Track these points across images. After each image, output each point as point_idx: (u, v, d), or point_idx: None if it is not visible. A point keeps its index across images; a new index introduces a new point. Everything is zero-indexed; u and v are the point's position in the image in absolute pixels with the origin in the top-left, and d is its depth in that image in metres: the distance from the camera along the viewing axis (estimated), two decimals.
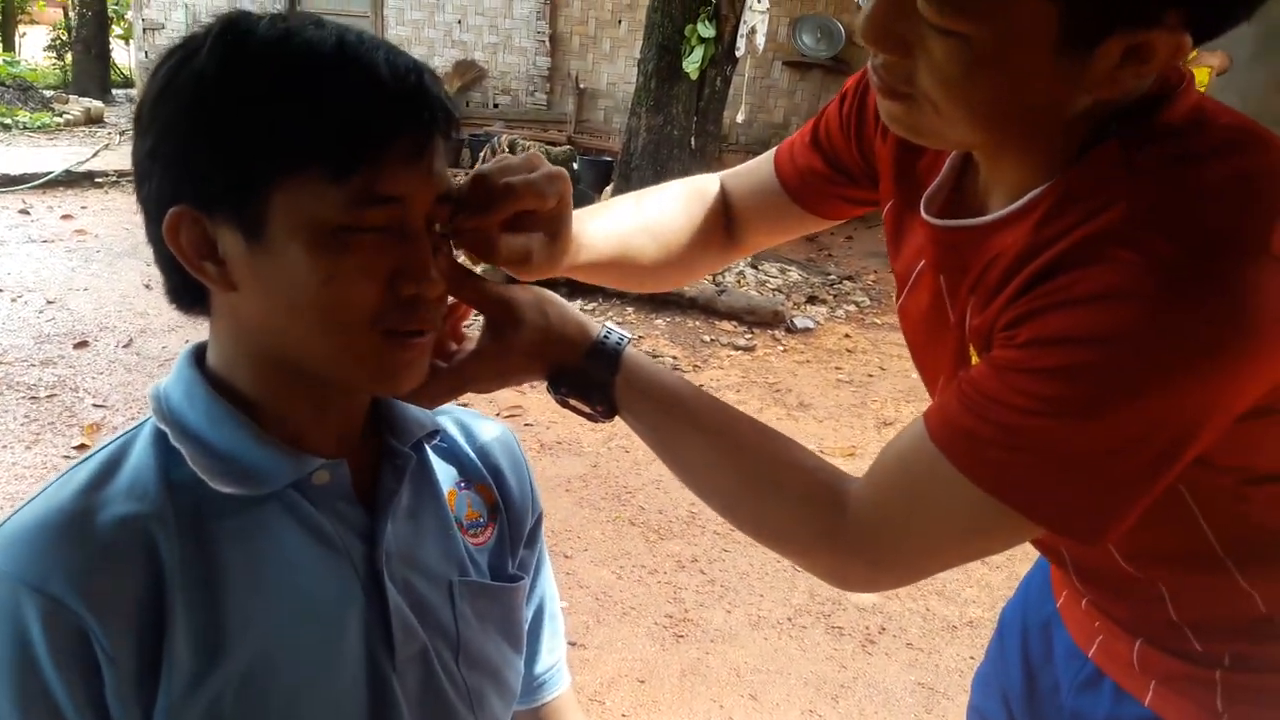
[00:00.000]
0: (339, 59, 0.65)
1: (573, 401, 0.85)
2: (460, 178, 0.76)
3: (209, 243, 0.67)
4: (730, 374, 4.75)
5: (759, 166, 1.14)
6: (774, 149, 1.13)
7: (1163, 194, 0.67)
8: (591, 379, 0.83)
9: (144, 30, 10.35)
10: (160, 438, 0.72)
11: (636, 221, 1.05)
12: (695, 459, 0.85)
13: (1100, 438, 0.68)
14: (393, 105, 0.66)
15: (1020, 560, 2.87)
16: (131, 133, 0.70)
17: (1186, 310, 0.64)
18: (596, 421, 0.87)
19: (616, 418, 0.85)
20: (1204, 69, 5.71)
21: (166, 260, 0.70)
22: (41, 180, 7.36)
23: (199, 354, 0.77)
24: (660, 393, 0.85)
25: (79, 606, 0.64)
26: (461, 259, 0.80)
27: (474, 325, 0.83)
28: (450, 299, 0.79)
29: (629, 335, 0.85)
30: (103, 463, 0.71)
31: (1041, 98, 0.69)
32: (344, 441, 0.78)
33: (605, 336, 0.84)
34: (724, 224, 1.14)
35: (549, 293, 0.84)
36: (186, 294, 0.73)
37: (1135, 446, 0.68)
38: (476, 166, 0.80)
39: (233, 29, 0.66)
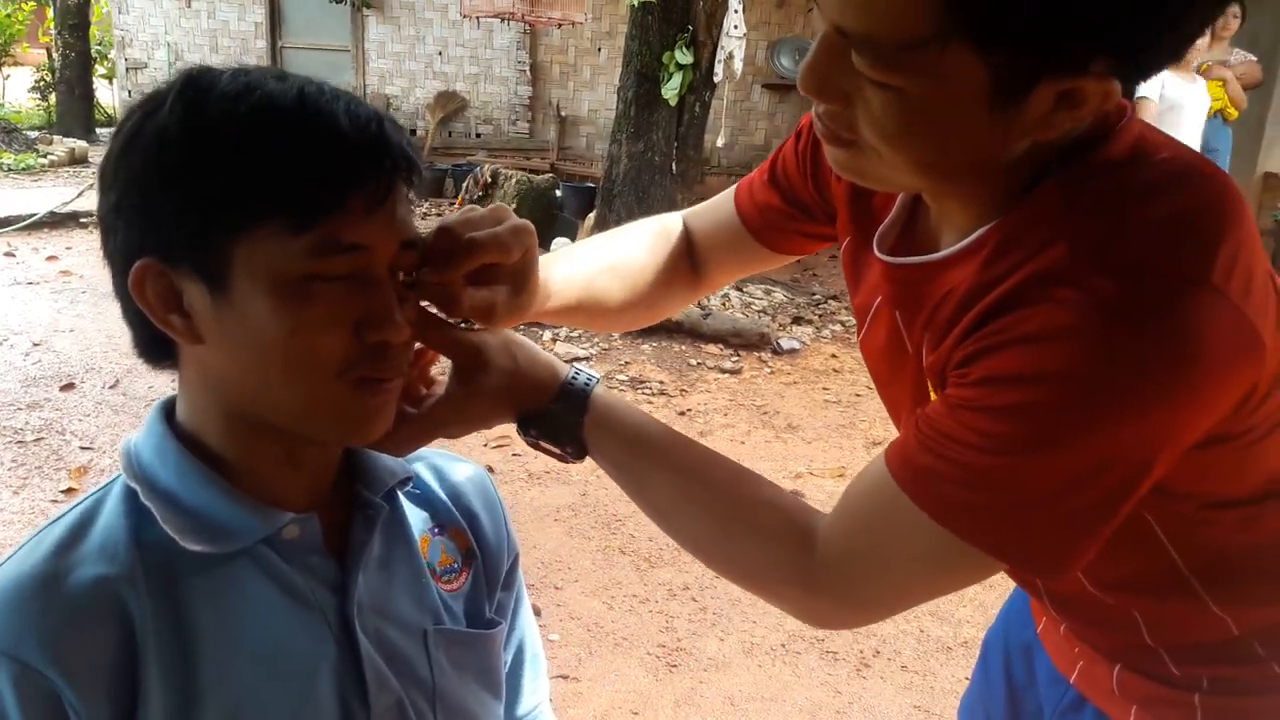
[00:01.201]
0: (299, 111, 0.66)
1: (543, 443, 0.86)
2: (439, 213, 0.77)
3: (174, 295, 0.68)
4: (718, 397, 4.75)
5: (720, 204, 1.15)
6: (734, 187, 1.14)
7: (1102, 231, 0.68)
8: (560, 421, 0.84)
9: (127, 70, 10.39)
10: (131, 495, 0.73)
11: (601, 264, 1.05)
12: (664, 499, 0.85)
13: (1053, 474, 0.68)
14: (353, 155, 0.66)
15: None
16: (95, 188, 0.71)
17: (1130, 346, 0.65)
18: (567, 462, 0.87)
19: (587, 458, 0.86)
20: (1216, 82, 5.58)
21: (133, 314, 0.70)
22: (26, 222, 7.35)
23: (169, 408, 0.78)
24: (629, 432, 0.85)
25: (50, 671, 0.64)
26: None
27: (443, 368, 0.84)
28: (417, 344, 0.80)
29: (597, 375, 0.86)
30: (73, 523, 0.71)
31: (979, 144, 0.70)
32: (315, 494, 0.78)
33: (573, 378, 0.84)
34: (689, 262, 1.15)
35: (517, 336, 0.85)
36: (154, 347, 0.74)
37: (1089, 482, 0.68)
38: (445, 215, 0.81)
39: (194, 85, 0.67)
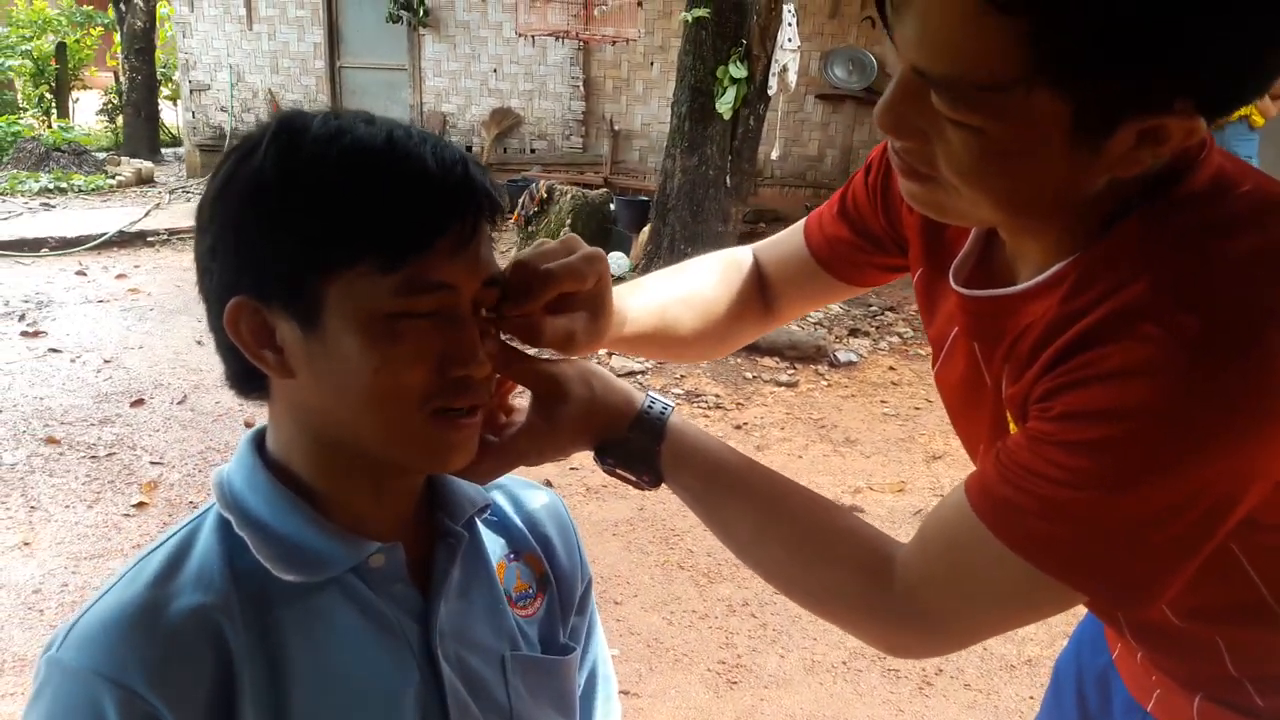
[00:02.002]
0: (389, 155, 0.68)
1: (620, 471, 0.87)
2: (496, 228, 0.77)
3: (268, 332, 0.70)
4: (774, 411, 4.73)
5: (789, 237, 1.15)
6: (804, 220, 1.14)
7: (1185, 267, 0.68)
8: (637, 449, 0.85)
9: (191, 91, 10.67)
10: (224, 525, 0.75)
11: (675, 294, 1.07)
12: (742, 528, 0.86)
13: (1136, 510, 0.68)
14: (441, 197, 0.68)
15: None
16: (193, 229, 0.74)
17: (1214, 384, 0.64)
18: (643, 489, 0.88)
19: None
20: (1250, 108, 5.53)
21: (227, 348, 0.73)
22: (97, 241, 7.58)
23: (259, 439, 0.80)
24: (705, 461, 0.86)
25: (153, 696, 0.66)
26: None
27: (522, 394, 0.86)
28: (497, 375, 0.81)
29: (672, 404, 0.87)
30: (171, 552, 0.74)
31: (1059, 182, 0.70)
32: (399, 522, 0.80)
33: (649, 406, 0.86)
34: (760, 295, 1.16)
35: (593, 366, 0.86)
36: (246, 380, 0.76)
37: (1173, 517, 0.68)
38: (517, 255, 0.83)
39: (287, 129, 0.69)
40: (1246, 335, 0.64)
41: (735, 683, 2.69)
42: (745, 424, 4.56)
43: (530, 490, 0.96)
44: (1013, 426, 0.81)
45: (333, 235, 0.67)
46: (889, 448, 4.35)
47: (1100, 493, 0.68)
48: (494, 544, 0.89)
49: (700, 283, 1.11)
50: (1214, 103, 0.65)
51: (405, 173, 0.67)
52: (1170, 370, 0.65)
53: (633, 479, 0.87)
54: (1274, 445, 0.66)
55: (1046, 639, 2.90)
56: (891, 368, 5.43)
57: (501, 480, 0.95)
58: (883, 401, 4.92)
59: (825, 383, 5.16)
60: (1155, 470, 0.66)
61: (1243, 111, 5.50)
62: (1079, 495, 0.68)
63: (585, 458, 0.88)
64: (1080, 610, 1.10)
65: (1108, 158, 0.67)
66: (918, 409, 4.80)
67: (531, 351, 0.83)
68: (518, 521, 0.92)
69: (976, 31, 0.61)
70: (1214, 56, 0.60)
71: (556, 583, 0.92)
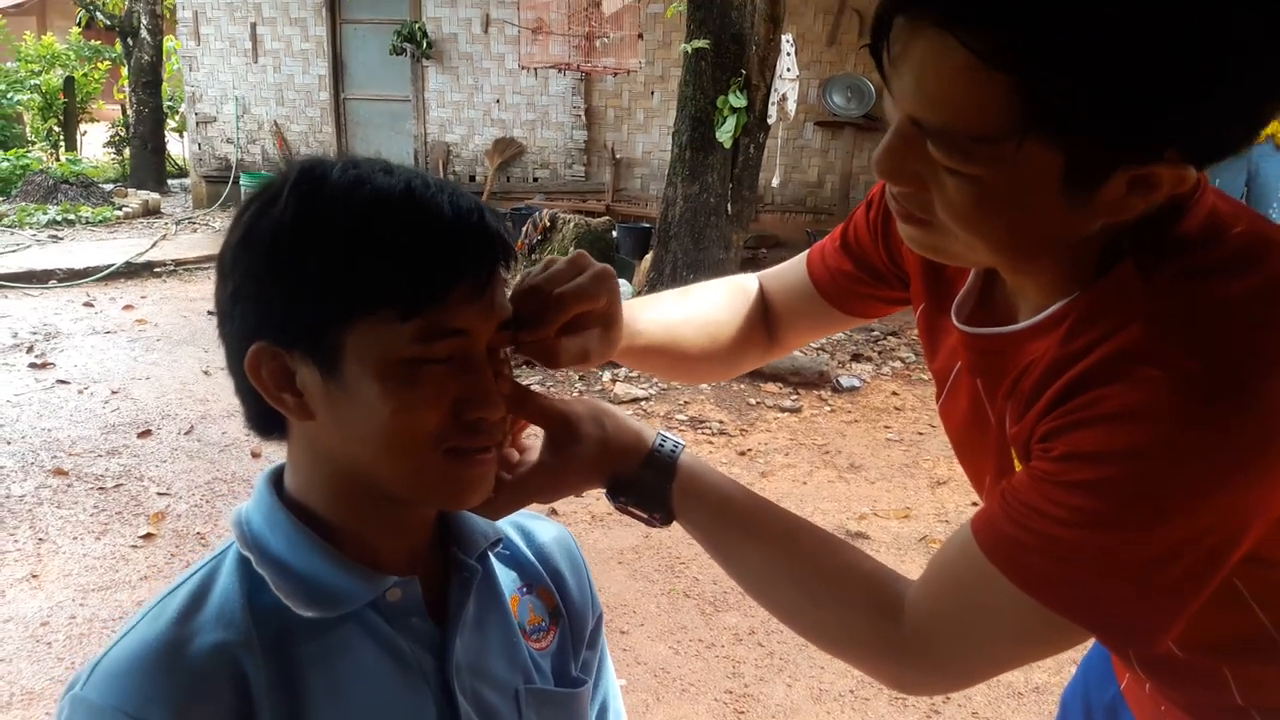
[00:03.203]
0: (408, 205, 0.69)
1: (632, 509, 0.88)
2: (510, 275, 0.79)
3: (288, 375, 0.72)
4: (778, 436, 4.74)
5: (793, 268, 1.17)
6: (806, 251, 1.17)
7: (1181, 310, 0.69)
8: (648, 488, 0.87)
9: (197, 124, 10.78)
10: (244, 563, 0.76)
11: (684, 313, 1.09)
12: (752, 566, 0.87)
13: (1139, 549, 0.69)
14: (458, 246, 0.70)
15: None
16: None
17: (1213, 425, 0.66)
18: (654, 527, 0.89)
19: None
20: None
21: (247, 391, 0.75)
22: (104, 273, 7.64)
23: (277, 478, 0.82)
24: (715, 499, 0.87)
25: None
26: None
27: (535, 434, 0.87)
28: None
29: (683, 443, 0.89)
30: (192, 591, 0.75)
31: (1053, 226, 0.72)
32: (414, 557, 0.82)
33: (660, 445, 0.87)
34: (764, 322, 1.18)
35: (605, 404, 0.88)
36: (265, 421, 0.78)
37: (1175, 557, 0.69)
38: (521, 278, 0.84)
39: (307, 178, 0.71)
40: (1242, 377, 0.66)
41: (743, 713, 2.68)
42: (749, 450, 4.57)
43: (540, 523, 0.98)
44: (1017, 464, 0.82)
45: (353, 284, 0.68)
46: (893, 473, 4.35)
47: (1103, 532, 0.69)
48: (507, 578, 0.90)
49: (709, 305, 1.13)
50: (1202, 153, 0.66)
51: (423, 223, 0.69)
52: (1168, 412, 0.66)
53: (644, 517, 0.88)
54: (1273, 485, 0.68)
55: (1054, 665, 2.89)
56: (894, 393, 5.44)
57: (512, 514, 0.96)
58: (886, 427, 4.93)
59: (829, 408, 5.17)
60: (1156, 511, 0.68)
61: (1269, 130, 5.51)
62: (1082, 535, 0.70)
63: None
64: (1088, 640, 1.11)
65: (1100, 204, 0.68)
66: (921, 434, 4.80)
67: (538, 387, 0.84)
68: (529, 555, 0.94)
69: (969, 86, 0.63)
70: (1199, 112, 0.62)
71: (568, 616, 0.93)
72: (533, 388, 0.84)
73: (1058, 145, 0.64)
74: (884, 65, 0.69)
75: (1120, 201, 0.68)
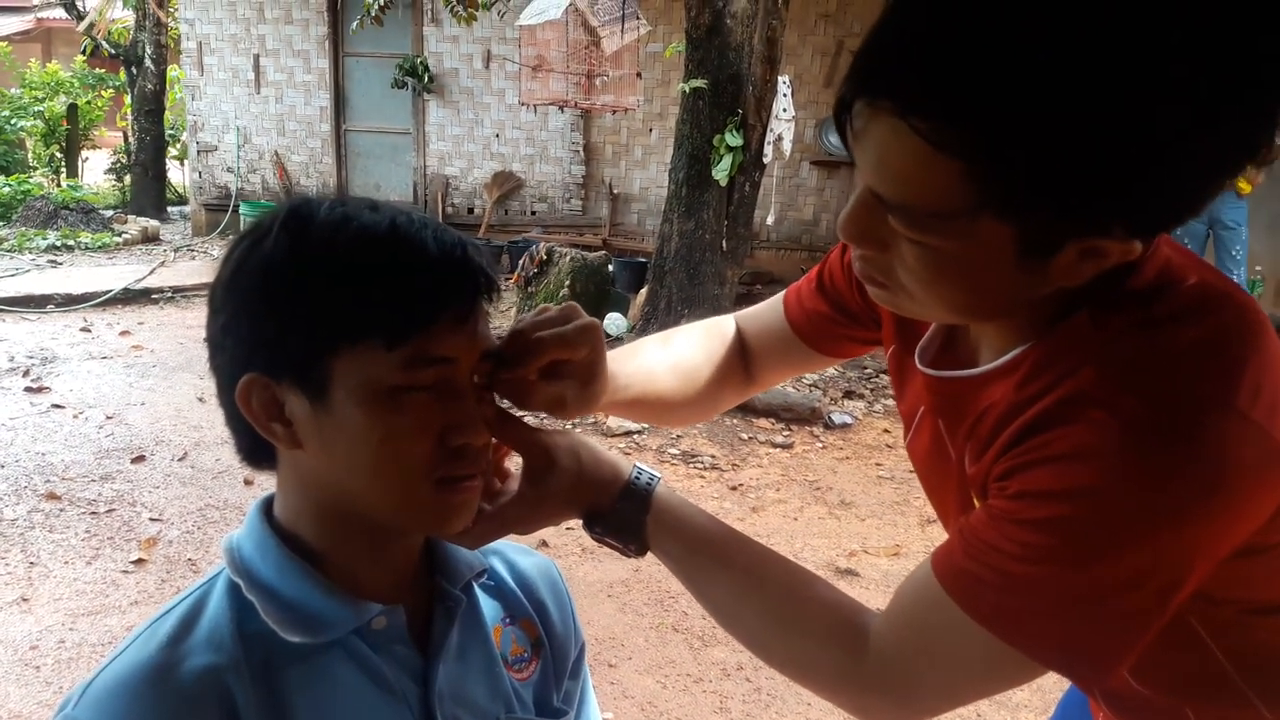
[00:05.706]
0: (393, 240, 0.73)
1: (608, 540, 0.91)
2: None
3: (277, 406, 0.75)
4: (770, 472, 4.76)
5: (770, 309, 1.21)
6: (783, 292, 1.20)
7: (1131, 357, 0.73)
8: (624, 519, 0.89)
9: (198, 152, 10.86)
10: (234, 589, 0.79)
11: (663, 361, 1.12)
12: (722, 597, 0.90)
13: (1088, 585, 0.72)
14: (442, 278, 0.73)
15: None
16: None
17: (1157, 468, 0.69)
18: (629, 557, 0.92)
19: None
20: None
21: (238, 422, 0.78)
22: (102, 298, 7.67)
23: (268, 506, 0.84)
24: (688, 531, 0.90)
25: None
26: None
27: (516, 462, 0.90)
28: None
29: (658, 475, 0.92)
30: (183, 615, 0.78)
31: (1009, 290, 0.75)
32: (400, 586, 0.84)
33: (636, 478, 0.90)
34: (741, 363, 1.22)
35: (583, 438, 0.91)
36: (256, 452, 0.81)
37: (1124, 592, 0.72)
38: (516, 319, 0.87)
39: (296, 216, 0.74)
40: (1186, 421, 0.69)
41: None
42: (741, 485, 4.58)
43: (524, 555, 1.00)
44: (976, 502, 0.86)
45: (340, 314, 0.71)
46: (884, 510, 4.37)
47: (1054, 568, 0.72)
48: (490, 608, 0.92)
49: (686, 350, 1.16)
50: (1148, 226, 0.70)
51: (408, 255, 0.72)
52: (1114, 453, 0.70)
53: (619, 547, 0.91)
54: (1217, 527, 0.71)
55: (1040, 705, 2.90)
56: (886, 430, 5.46)
57: (497, 544, 0.98)
58: (878, 464, 4.95)
59: (820, 444, 5.19)
60: (1104, 547, 0.71)
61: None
62: (1035, 570, 0.73)
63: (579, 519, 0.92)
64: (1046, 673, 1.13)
65: (1053, 271, 0.72)
66: (912, 472, 4.74)
67: (528, 418, 0.88)
68: (513, 586, 0.96)
69: (924, 168, 0.67)
70: (1138, 192, 0.66)
71: (550, 647, 0.95)
72: (524, 418, 0.88)
73: (1009, 222, 0.68)
74: (848, 139, 0.73)
75: (1072, 268, 0.72)
